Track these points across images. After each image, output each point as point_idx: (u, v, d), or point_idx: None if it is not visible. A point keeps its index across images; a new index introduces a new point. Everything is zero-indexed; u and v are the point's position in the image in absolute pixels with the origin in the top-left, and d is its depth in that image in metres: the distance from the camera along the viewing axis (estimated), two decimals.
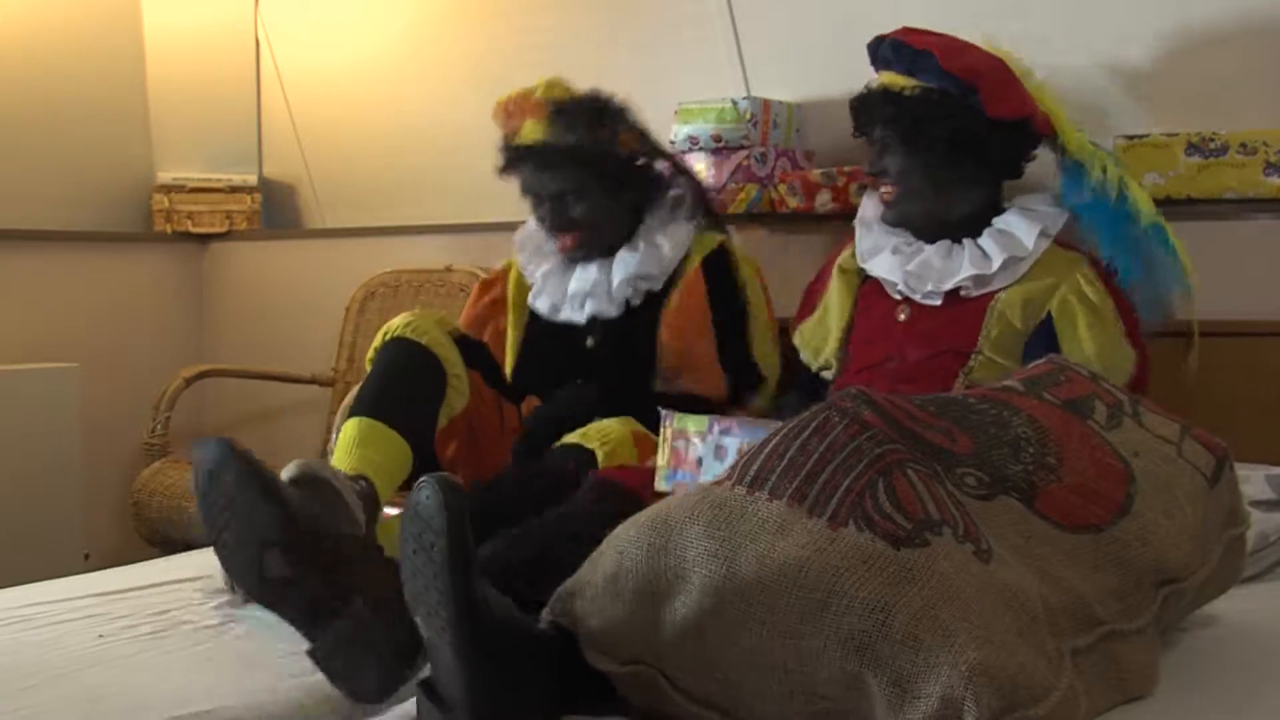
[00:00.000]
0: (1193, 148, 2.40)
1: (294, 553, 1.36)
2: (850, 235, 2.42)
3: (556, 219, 2.43)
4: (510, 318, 2.56)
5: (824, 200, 2.76)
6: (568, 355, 2.42)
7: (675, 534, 1.24)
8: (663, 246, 2.44)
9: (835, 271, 2.41)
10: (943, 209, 2.26)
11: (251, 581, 1.37)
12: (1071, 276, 2.17)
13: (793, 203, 2.80)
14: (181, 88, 3.87)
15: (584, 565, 1.32)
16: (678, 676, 1.24)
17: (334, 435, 2.96)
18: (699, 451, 1.90)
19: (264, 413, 3.86)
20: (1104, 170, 2.24)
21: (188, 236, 3.90)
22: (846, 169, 2.75)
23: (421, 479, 1.25)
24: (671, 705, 1.25)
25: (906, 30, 2.27)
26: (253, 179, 3.93)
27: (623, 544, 1.27)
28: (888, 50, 2.26)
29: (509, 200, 3.44)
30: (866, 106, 2.29)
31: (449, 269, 3.51)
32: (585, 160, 2.41)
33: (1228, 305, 2.39)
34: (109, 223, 3.81)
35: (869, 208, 2.38)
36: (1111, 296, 2.17)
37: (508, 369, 2.48)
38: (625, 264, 2.43)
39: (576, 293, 2.44)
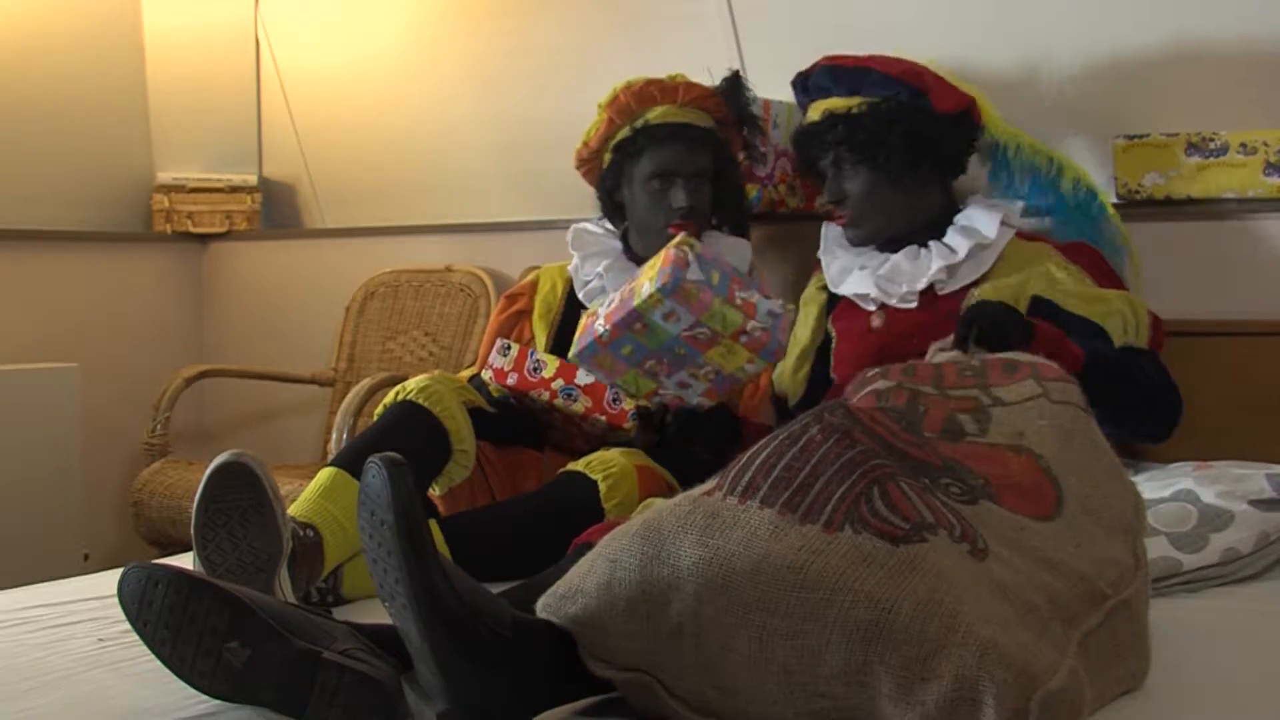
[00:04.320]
0: (1193, 148, 2.39)
1: (248, 630, 1.33)
2: (814, 267, 2.46)
3: (694, 199, 2.41)
4: (537, 328, 2.53)
5: (824, 200, 2.76)
6: None
7: (668, 544, 1.24)
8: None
9: (799, 306, 2.46)
10: (907, 217, 2.29)
11: (223, 682, 1.34)
12: (1042, 264, 2.21)
13: (793, 203, 2.80)
14: (181, 88, 3.87)
15: (572, 571, 1.31)
16: (674, 684, 1.25)
17: (334, 435, 2.97)
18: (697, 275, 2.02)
19: (264, 413, 3.86)
20: (1059, 169, 2.35)
21: (188, 236, 3.91)
22: None
23: (369, 460, 1.25)
24: (670, 712, 1.25)
25: (828, 58, 2.32)
26: (253, 179, 3.93)
27: (615, 553, 1.27)
28: (823, 78, 2.31)
29: (509, 200, 3.46)
30: (815, 136, 2.31)
31: (449, 269, 3.51)
32: (720, 156, 2.47)
33: (1227, 305, 2.39)
34: (109, 223, 3.82)
35: (830, 237, 2.42)
36: (1087, 272, 2.21)
37: None
38: None
39: None
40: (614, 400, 2.15)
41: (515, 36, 3.33)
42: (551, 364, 2.18)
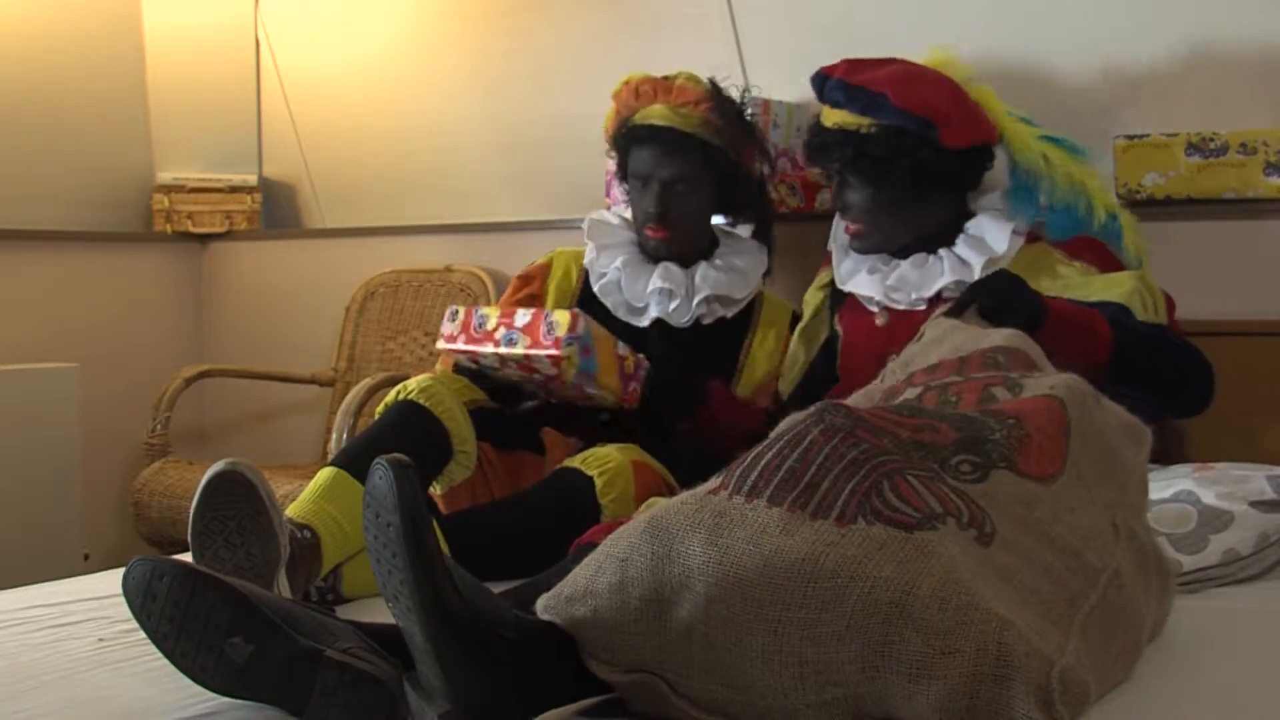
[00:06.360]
0: (1193, 148, 2.39)
1: (250, 627, 1.33)
2: (825, 261, 2.44)
3: (662, 206, 2.37)
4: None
5: (824, 200, 2.76)
6: None
7: (677, 543, 1.24)
8: (746, 274, 2.44)
9: (805, 310, 2.45)
10: (909, 233, 2.27)
11: (224, 678, 1.33)
12: (1049, 265, 2.18)
13: (793, 203, 2.80)
14: (181, 88, 3.87)
15: (577, 572, 1.31)
16: (680, 683, 1.25)
17: (334, 435, 2.97)
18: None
19: (264, 413, 3.86)
20: (1090, 206, 2.25)
21: (188, 236, 3.91)
22: None
23: (375, 461, 1.25)
24: (676, 712, 1.25)
25: (850, 64, 2.25)
26: (253, 179, 3.93)
27: (624, 552, 1.27)
28: (836, 91, 2.24)
29: (509, 200, 3.46)
30: (824, 148, 2.27)
31: (449, 269, 3.51)
32: (713, 161, 2.39)
33: (1228, 305, 2.39)
34: (109, 223, 3.81)
35: (841, 234, 2.38)
36: (1093, 266, 2.18)
37: None
38: (708, 279, 2.41)
39: (658, 289, 2.39)
40: (548, 331, 2.06)
41: (515, 36, 3.33)
42: (493, 314, 2.11)
